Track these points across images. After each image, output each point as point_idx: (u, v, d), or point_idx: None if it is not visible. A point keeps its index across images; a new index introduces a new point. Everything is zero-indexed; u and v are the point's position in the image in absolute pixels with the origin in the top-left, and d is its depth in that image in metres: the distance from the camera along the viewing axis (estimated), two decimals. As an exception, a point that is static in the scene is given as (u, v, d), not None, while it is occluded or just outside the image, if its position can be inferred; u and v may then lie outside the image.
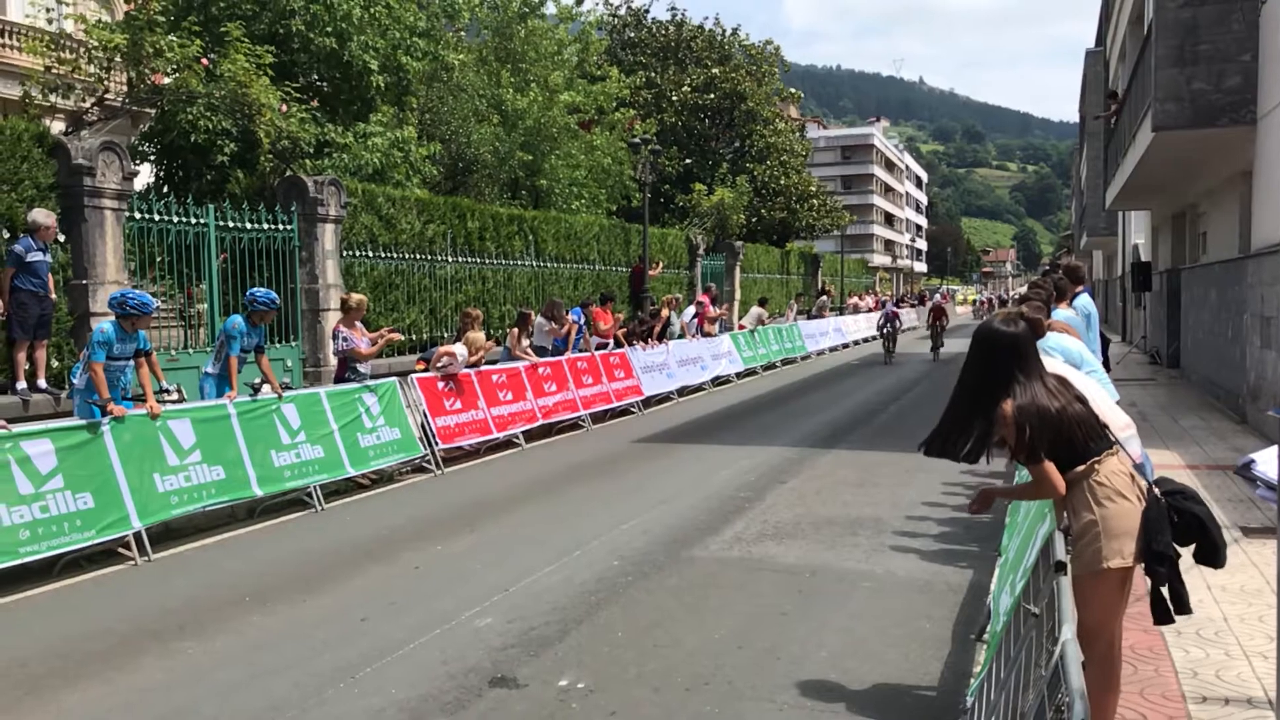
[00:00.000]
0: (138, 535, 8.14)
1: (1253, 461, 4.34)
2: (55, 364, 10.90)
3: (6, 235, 10.53)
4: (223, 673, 5.62)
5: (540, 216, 21.85)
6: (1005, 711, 3.31)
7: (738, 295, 32.63)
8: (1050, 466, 3.83)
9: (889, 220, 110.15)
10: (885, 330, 28.03)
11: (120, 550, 8.08)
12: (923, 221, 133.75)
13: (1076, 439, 3.88)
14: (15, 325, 10.24)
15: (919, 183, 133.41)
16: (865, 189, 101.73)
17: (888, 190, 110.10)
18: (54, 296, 10.72)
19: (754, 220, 38.74)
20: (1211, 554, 3.91)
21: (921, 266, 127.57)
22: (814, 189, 43.17)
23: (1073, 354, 6.27)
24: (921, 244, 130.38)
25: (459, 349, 12.70)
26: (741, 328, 25.12)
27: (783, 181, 40.44)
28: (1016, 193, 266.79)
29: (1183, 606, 3.80)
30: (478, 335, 13.16)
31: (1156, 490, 3.93)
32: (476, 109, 22.52)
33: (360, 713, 5.03)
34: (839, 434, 14.22)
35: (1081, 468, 3.86)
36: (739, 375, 22.67)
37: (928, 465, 11.46)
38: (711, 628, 6.27)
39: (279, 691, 5.31)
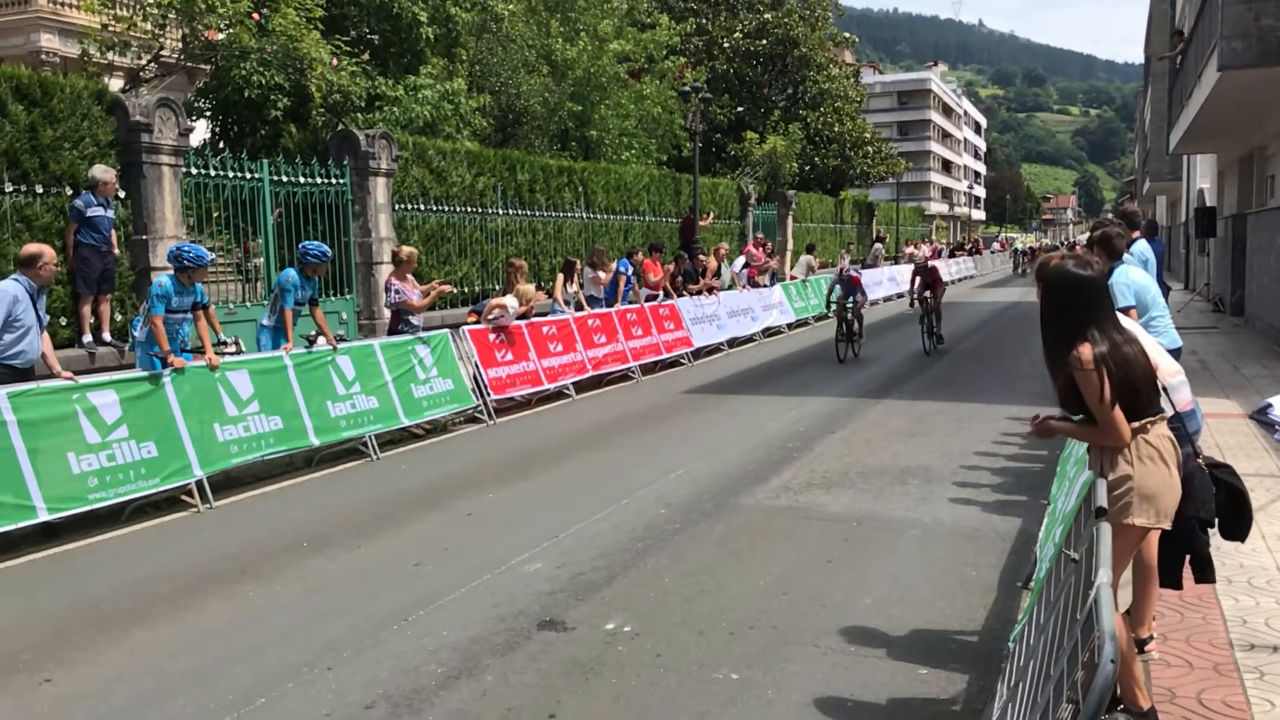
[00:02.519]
0: (199, 483, 8.38)
1: (1270, 406, 4.29)
2: (119, 318, 11.20)
3: (69, 192, 10.77)
4: (282, 615, 5.81)
5: (590, 168, 21.81)
6: (1043, 654, 3.33)
7: (790, 245, 32.36)
8: (1120, 414, 3.78)
9: (946, 167, 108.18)
10: (844, 309, 16.71)
11: (184, 498, 8.34)
12: (981, 168, 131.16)
13: (1140, 393, 3.85)
14: (79, 280, 10.53)
15: (977, 128, 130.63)
16: (922, 135, 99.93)
17: (945, 136, 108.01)
18: (116, 251, 10.98)
19: (807, 169, 38.28)
20: (1240, 529, 3.92)
21: (980, 214, 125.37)
22: (869, 136, 42.47)
23: (1141, 293, 6.17)
24: (980, 191, 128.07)
25: (510, 301, 12.80)
26: (793, 278, 24.95)
27: (836, 128, 39.83)
28: (1078, 137, 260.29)
29: (1207, 575, 3.81)
30: (527, 287, 13.24)
31: (1200, 461, 3.93)
32: (526, 60, 22.44)
33: (413, 653, 5.18)
34: (891, 384, 14.14)
35: (1135, 424, 3.84)
36: (790, 326, 22.57)
37: (980, 415, 11.42)
38: (756, 574, 6.34)
39: (335, 633, 5.49)
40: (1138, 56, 64.35)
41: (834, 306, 17.14)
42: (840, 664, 5.00)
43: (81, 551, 7.27)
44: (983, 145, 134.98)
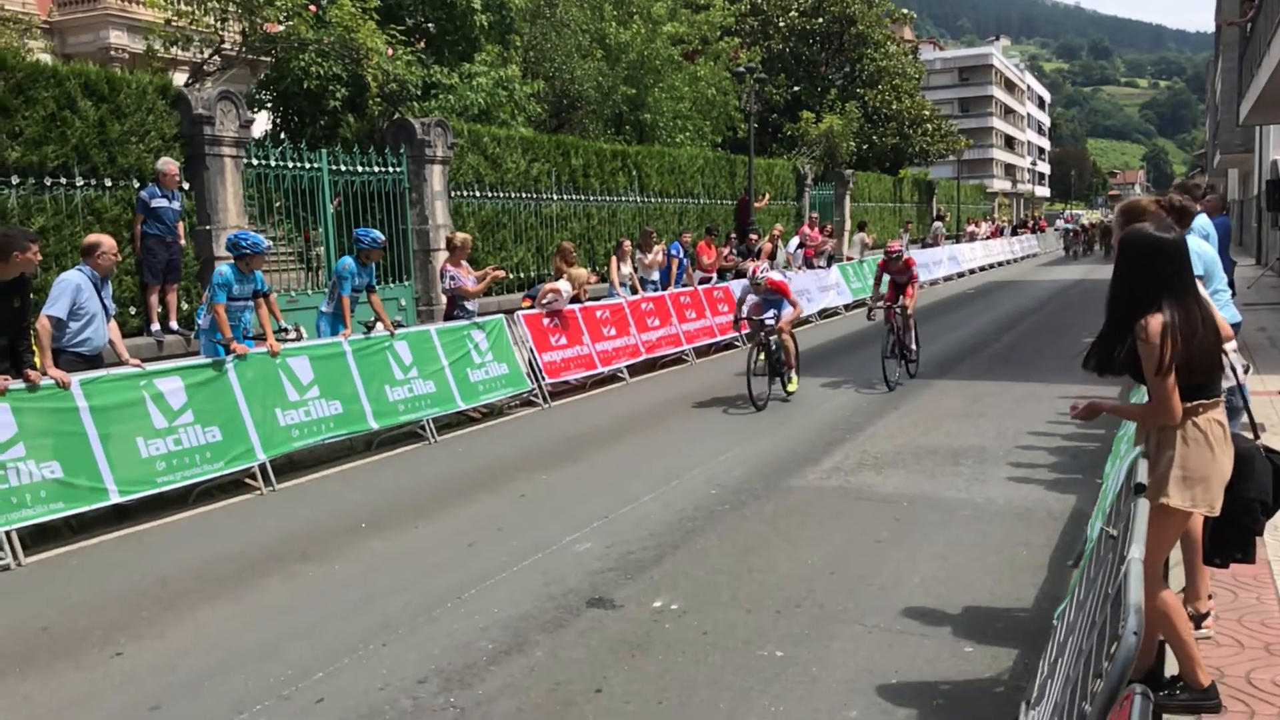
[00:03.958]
0: (262, 467, 8.63)
1: None
2: (185, 306, 11.51)
3: (137, 184, 11.09)
4: (341, 593, 5.99)
5: (644, 151, 21.83)
6: (1080, 629, 3.34)
7: (848, 225, 32.07)
8: (1175, 390, 3.69)
9: (1009, 143, 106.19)
10: (760, 329, 11.78)
11: (247, 480, 8.59)
12: (1045, 144, 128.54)
13: (1198, 370, 3.75)
14: (145, 270, 10.86)
15: (1041, 103, 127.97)
16: (983, 112, 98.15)
17: (1008, 112, 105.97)
18: (182, 242, 11.29)
19: (865, 147, 37.85)
20: None
21: (1044, 191, 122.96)
22: (928, 113, 41.85)
23: (1210, 264, 6.06)
24: (1044, 167, 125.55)
25: (563, 285, 12.92)
26: (849, 259, 24.76)
27: (895, 106, 39.29)
28: (1147, 110, 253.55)
29: (1249, 555, 3.78)
30: (579, 270, 13.35)
31: (1259, 444, 3.89)
32: (579, 44, 22.48)
33: (465, 630, 5.32)
34: (947, 365, 14.02)
35: (1187, 405, 3.78)
36: (847, 307, 22.41)
37: (1038, 394, 11.29)
38: (805, 554, 6.38)
39: (392, 611, 5.65)
40: (1209, 25, 61.92)
41: (741, 324, 12.46)
42: (885, 642, 5.03)
43: (151, 532, 7.54)
44: (1047, 121, 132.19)
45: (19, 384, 7.13)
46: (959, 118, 76.46)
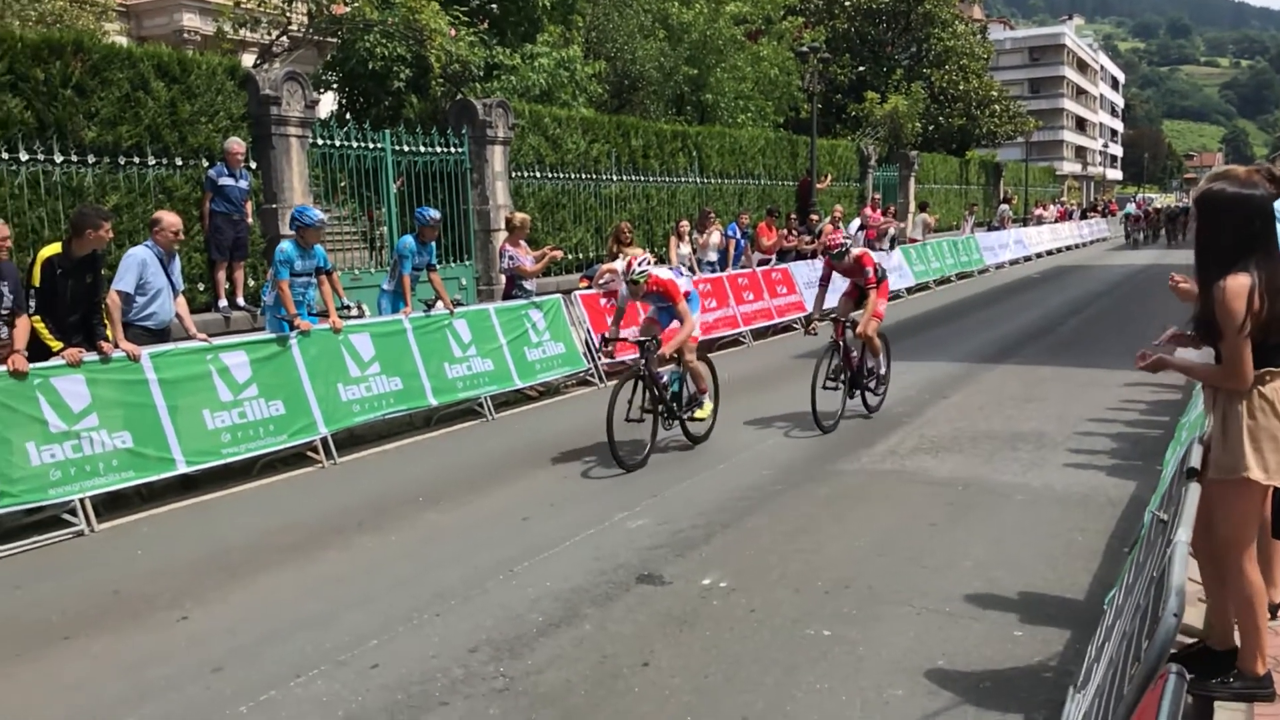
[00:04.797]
0: (324, 440, 8.82)
1: None
2: (251, 283, 11.78)
3: (205, 163, 11.36)
4: (396, 565, 6.12)
5: (704, 131, 21.77)
6: (1128, 615, 3.32)
7: (911, 208, 31.69)
8: (1248, 352, 3.59)
9: (1080, 125, 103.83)
10: (604, 344, 9.28)
11: (309, 454, 8.78)
12: (1118, 125, 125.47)
13: (1270, 339, 3.65)
14: (213, 247, 11.14)
15: (1115, 84, 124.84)
16: (1054, 92, 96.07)
17: (1079, 93, 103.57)
18: (249, 220, 11.55)
19: (930, 128, 37.31)
20: None
21: (1115, 173, 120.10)
22: (996, 94, 41.10)
23: None
24: (1116, 150, 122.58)
25: (620, 266, 12.94)
26: (913, 241, 24.47)
27: (962, 87, 38.64)
28: (1227, 90, 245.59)
29: None
30: (636, 251, 13.35)
31: None
32: (642, 24, 22.45)
33: (518, 602, 5.41)
34: (1010, 349, 13.82)
35: (1257, 371, 3.70)
36: (909, 290, 22.17)
37: (1101, 380, 11.10)
38: (856, 535, 6.37)
39: (446, 582, 5.76)
40: (1294, 2, 59.53)
41: (601, 346, 10.06)
42: (934, 624, 5.02)
43: (216, 502, 7.76)
44: (1120, 102, 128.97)
45: (93, 356, 7.37)
46: (1028, 99, 75.02)
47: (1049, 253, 34.56)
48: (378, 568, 6.08)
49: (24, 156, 9.75)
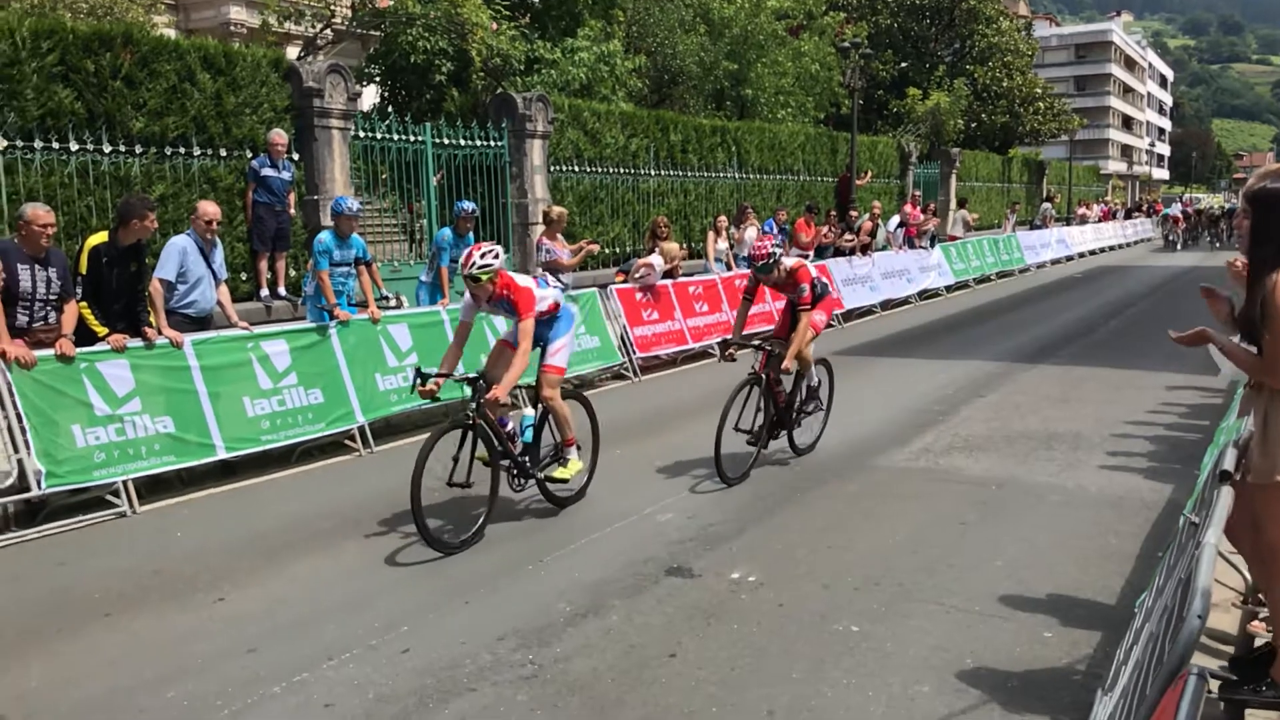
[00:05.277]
0: (361, 429, 8.93)
1: None
2: (293, 273, 11.94)
3: (249, 154, 11.52)
4: (428, 551, 6.16)
5: (744, 127, 21.73)
6: (1156, 617, 3.31)
7: (953, 205, 31.43)
8: None
9: (1126, 123, 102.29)
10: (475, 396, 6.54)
11: (347, 442, 8.90)
12: (1166, 124, 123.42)
13: None
14: (255, 237, 11.30)
15: (1163, 82, 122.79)
16: (1101, 90, 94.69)
17: (1126, 91, 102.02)
18: (292, 211, 11.70)
19: (973, 126, 36.99)
20: None
21: (1162, 173, 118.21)
22: (1040, 91, 40.64)
23: None
24: (1163, 149, 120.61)
25: (656, 260, 13.00)
26: (952, 238, 24.27)
27: (1005, 84, 38.27)
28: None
29: None
30: (671, 245, 13.41)
31: None
32: (683, 19, 22.45)
33: (545, 592, 5.47)
34: (1048, 349, 13.69)
35: None
36: (949, 289, 22.00)
37: (1138, 382, 10.98)
38: (887, 533, 6.37)
39: (476, 570, 5.83)
40: (1350, -1, 57.90)
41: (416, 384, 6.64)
42: (963, 623, 5.01)
43: (255, 488, 7.89)
44: (1169, 100, 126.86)
45: (137, 342, 7.52)
46: (1074, 96, 74.05)
47: (1091, 253, 34.12)
48: (410, 554, 6.15)
49: (74, 146, 9.95)
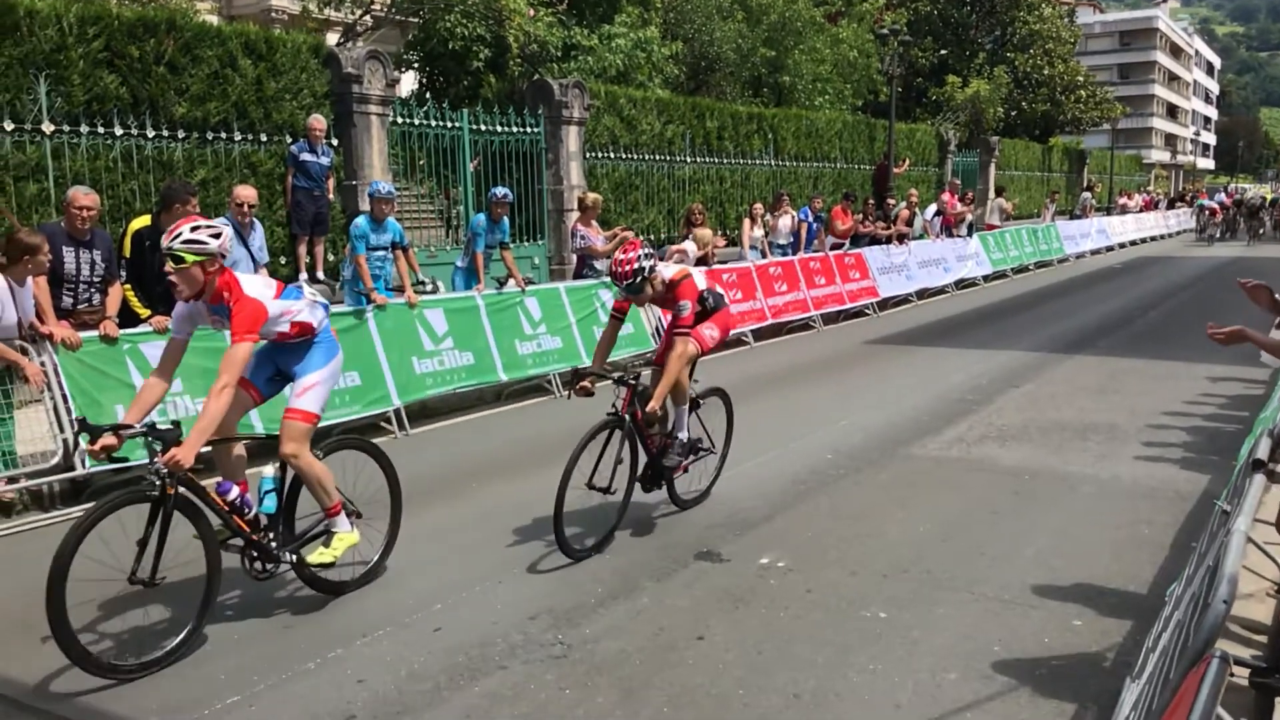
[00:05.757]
0: (397, 412, 9.05)
1: None
2: (331, 258, 12.08)
3: (289, 140, 11.66)
4: (463, 533, 6.28)
5: (780, 114, 21.65)
6: (1184, 604, 3.31)
7: (991, 194, 31.14)
8: None
9: (1171, 112, 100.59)
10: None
11: (382, 424, 9.01)
12: (1212, 113, 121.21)
13: None
14: (294, 222, 11.44)
15: (1210, 70, 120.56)
16: (1145, 78, 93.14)
17: (1171, 79, 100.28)
18: (331, 196, 11.83)
19: (1013, 114, 36.59)
20: None
21: (1207, 163, 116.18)
22: (1082, 79, 40.10)
23: None
24: (1209, 138, 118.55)
25: (688, 246, 13.00)
26: (991, 227, 24.05)
27: (1046, 71, 37.81)
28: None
29: None
30: (705, 231, 13.40)
31: None
32: (720, 5, 22.37)
33: (577, 574, 5.54)
34: (1086, 340, 13.57)
35: None
36: (986, 278, 21.81)
37: (1179, 373, 10.87)
38: (917, 521, 6.36)
39: (508, 552, 5.91)
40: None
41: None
42: (991, 611, 5.01)
43: (292, 468, 7.99)
44: (1215, 88, 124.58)
45: (178, 324, 7.65)
46: (1117, 84, 72.97)
47: (1132, 243, 33.65)
48: (444, 535, 6.25)
49: (119, 131, 10.12)
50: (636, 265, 5.99)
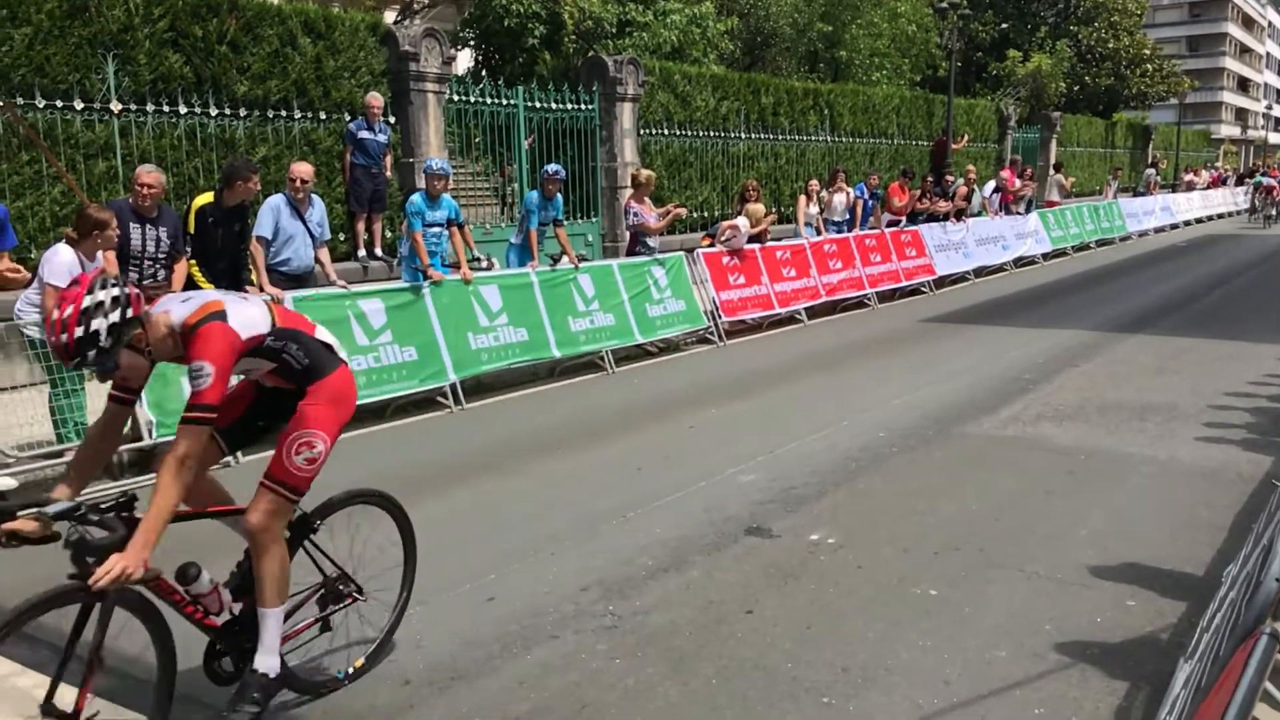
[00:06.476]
0: (453, 386, 9.18)
1: None
2: (388, 234, 12.24)
3: (347, 117, 11.81)
4: (515, 505, 6.38)
5: (836, 89, 21.43)
6: (1239, 584, 3.28)
7: (1051, 171, 30.56)
8: None
9: (1242, 86, 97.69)
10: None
11: (439, 399, 9.15)
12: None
13: None
14: (352, 199, 11.61)
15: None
16: (1215, 50, 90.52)
17: (1243, 51, 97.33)
18: (388, 174, 11.98)
19: (1075, 89, 35.81)
20: None
21: (1278, 138, 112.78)
22: (1148, 52, 39.10)
23: None
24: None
25: (741, 222, 12.96)
26: (1051, 204, 23.63)
27: (1111, 45, 36.92)
28: None
29: None
30: (757, 207, 13.33)
31: None
32: (776, -20, 22.21)
33: (627, 547, 5.60)
34: (1147, 319, 13.32)
35: None
36: (1045, 256, 21.44)
37: (1243, 354, 10.65)
38: (970, 499, 6.33)
39: (560, 524, 5.99)
40: None
41: None
42: (1044, 590, 4.99)
43: (348, 441, 7.99)
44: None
45: (240, 299, 7.83)
46: (1185, 57, 71.05)
47: (1198, 220, 32.84)
48: (498, 508, 6.35)
49: (183, 109, 10.33)
50: (78, 334, 3.16)
